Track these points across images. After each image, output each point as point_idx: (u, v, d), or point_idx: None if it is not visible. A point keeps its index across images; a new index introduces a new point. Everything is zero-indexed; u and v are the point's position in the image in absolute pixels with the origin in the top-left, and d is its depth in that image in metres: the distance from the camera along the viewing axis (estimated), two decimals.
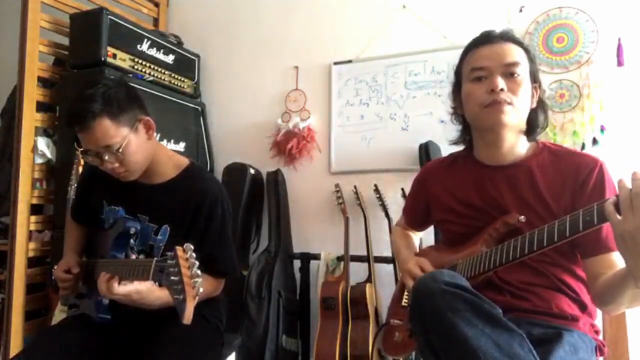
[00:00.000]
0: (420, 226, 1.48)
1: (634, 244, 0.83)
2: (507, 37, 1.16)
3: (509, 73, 1.12)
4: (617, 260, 1.03)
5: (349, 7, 2.62)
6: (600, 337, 1.13)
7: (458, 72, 1.24)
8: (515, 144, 1.18)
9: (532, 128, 1.19)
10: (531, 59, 1.17)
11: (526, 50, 1.16)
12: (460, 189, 1.24)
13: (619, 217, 0.83)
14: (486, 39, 1.17)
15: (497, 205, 1.15)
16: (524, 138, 1.19)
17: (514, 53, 1.13)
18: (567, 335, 1.01)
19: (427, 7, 2.45)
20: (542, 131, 1.22)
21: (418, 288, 0.95)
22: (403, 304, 1.36)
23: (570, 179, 1.10)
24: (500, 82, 1.10)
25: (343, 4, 2.64)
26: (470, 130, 1.27)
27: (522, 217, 1.09)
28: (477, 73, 1.14)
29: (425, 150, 2.27)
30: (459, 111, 1.27)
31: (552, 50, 2.21)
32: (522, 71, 1.13)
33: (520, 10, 2.26)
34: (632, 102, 2.08)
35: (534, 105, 1.18)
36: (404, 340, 1.27)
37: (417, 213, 1.43)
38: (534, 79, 1.17)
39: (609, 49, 2.12)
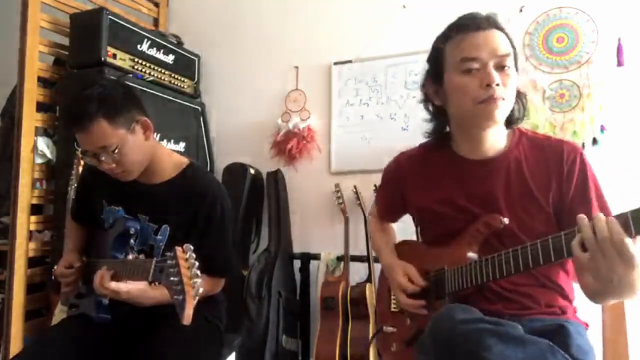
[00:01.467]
0: (394, 218, 1.44)
1: (609, 281, 0.83)
2: (494, 23, 1.10)
3: (500, 65, 1.06)
4: None
5: (349, 7, 2.62)
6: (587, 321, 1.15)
7: (438, 58, 1.14)
8: (497, 136, 1.14)
9: (511, 119, 1.14)
10: (513, 46, 1.11)
11: (507, 36, 1.11)
12: (439, 185, 1.18)
13: (586, 254, 0.83)
14: (475, 25, 1.08)
15: (482, 200, 1.11)
16: (503, 128, 1.15)
17: (505, 43, 1.08)
18: (567, 325, 1.03)
19: (427, 7, 2.45)
20: (521, 122, 1.17)
21: (438, 332, 0.92)
22: (392, 309, 1.31)
23: (555, 170, 1.08)
24: (496, 77, 1.04)
25: (343, 4, 2.64)
26: (446, 122, 1.20)
27: (506, 219, 1.06)
28: (468, 64, 1.06)
29: None
30: (435, 102, 1.18)
31: (552, 50, 2.21)
32: (511, 63, 1.08)
33: (520, 10, 2.26)
34: (632, 102, 2.08)
35: None
36: (401, 351, 1.24)
37: (390, 206, 1.39)
38: (516, 67, 1.12)
39: (609, 49, 2.11)
